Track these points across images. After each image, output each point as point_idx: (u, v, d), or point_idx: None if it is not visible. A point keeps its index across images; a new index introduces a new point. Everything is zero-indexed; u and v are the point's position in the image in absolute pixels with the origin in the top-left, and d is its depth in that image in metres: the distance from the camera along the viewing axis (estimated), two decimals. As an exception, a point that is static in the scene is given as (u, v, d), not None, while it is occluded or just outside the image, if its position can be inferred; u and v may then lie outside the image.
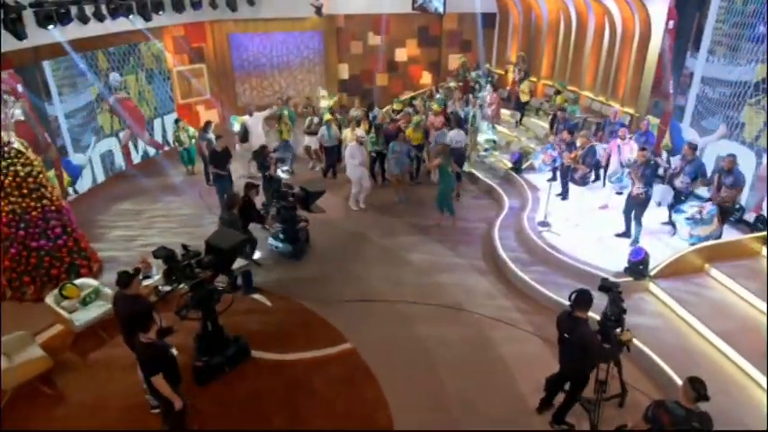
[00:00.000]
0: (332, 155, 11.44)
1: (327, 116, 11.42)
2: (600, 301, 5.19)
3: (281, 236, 8.74)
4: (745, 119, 8.58)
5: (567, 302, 6.96)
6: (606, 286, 5.18)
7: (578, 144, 8.55)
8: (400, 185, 10.55)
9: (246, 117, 11.96)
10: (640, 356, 6.20)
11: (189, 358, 6.16)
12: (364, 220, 10.13)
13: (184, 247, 5.97)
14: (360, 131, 10.11)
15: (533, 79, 14.64)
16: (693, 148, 8.10)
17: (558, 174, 9.56)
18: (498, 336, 6.85)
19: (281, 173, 9.41)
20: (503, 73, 16.35)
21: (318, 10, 14.60)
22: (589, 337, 4.80)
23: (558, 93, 12.43)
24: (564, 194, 9.77)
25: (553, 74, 14.45)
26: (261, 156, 9.37)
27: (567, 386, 5.33)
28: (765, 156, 8.10)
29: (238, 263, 6.44)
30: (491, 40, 17.03)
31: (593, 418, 5.21)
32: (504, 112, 13.96)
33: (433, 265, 8.46)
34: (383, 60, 16.95)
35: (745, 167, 7.96)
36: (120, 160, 12.63)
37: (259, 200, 8.66)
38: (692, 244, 7.65)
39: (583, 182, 8.51)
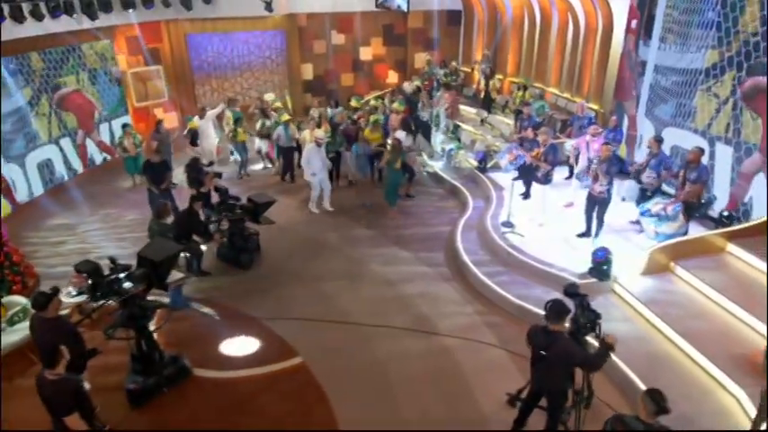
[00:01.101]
0: (289, 156, 10.97)
1: (285, 116, 10.94)
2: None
3: (228, 246, 8.25)
4: (698, 105, 8.51)
5: (532, 307, 6.83)
6: (572, 292, 4.83)
7: (540, 141, 8.25)
8: (364, 189, 10.14)
9: (196, 118, 11.42)
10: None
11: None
12: (323, 224, 9.71)
13: (111, 260, 5.46)
14: (319, 132, 9.67)
15: (499, 77, 14.41)
16: (659, 140, 7.88)
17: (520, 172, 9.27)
18: (459, 348, 6.47)
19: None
20: (469, 71, 16.10)
21: (269, 5, 14.04)
22: (574, 350, 4.44)
23: (524, 88, 12.18)
24: (526, 194, 9.49)
25: (519, 71, 14.23)
26: (193, 169, 8.70)
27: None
28: (719, 146, 7.93)
29: (175, 275, 5.95)
30: (457, 37, 16.76)
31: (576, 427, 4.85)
32: (470, 111, 13.68)
33: (392, 270, 8.08)
34: (348, 60, 16.55)
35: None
36: (61, 169, 11.79)
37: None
38: (661, 242, 7.41)
39: (545, 180, 8.22)
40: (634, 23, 9.89)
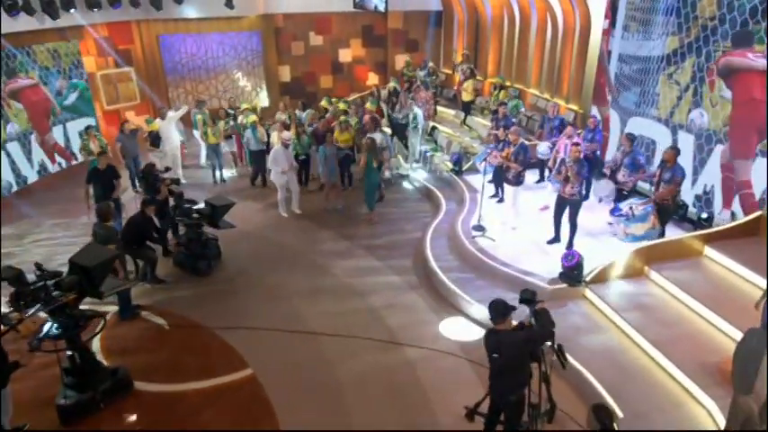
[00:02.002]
0: (259, 160, 10.66)
1: (252, 117, 10.64)
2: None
3: (185, 252, 7.93)
4: (660, 93, 8.45)
5: None
6: (525, 299, 4.54)
7: (510, 140, 8.00)
8: (333, 192, 9.85)
9: (157, 120, 11.10)
10: (570, 371, 5.59)
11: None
12: (289, 229, 9.40)
13: (38, 266, 5.13)
14: (286, 134, 9.38)
15: (479, 78, 14.20)
16: (631, 138, 7.65)
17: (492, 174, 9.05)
18: (420, 358, 6.15)
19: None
20: (449, 72, 15.91)
21: (229, 2, 13.73)
22: (518, 336, 4.23)
23: (501, 88, 11.96)
24: (499, 196, 9.24)
25: (499, 72, 14.03)
26: (149, 175, 8.35)
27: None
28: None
29: (113, 283, 5.61)
30: (438, 38, 16.58)
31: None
32: (449, 112, 13.47)
33: (358, 277, 7.76)
34: (327, 61, 16.32)
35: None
36: (9, 177, 11.07)
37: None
38: (630, 243, 7.16)
39: (516, 181, 7.96)
40: (607, 24, 9.73)
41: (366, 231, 9.16)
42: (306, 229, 9.35)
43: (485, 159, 8.35)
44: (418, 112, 11.18)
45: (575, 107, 11.18)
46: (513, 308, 4.27)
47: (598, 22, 10.20)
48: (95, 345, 6.33)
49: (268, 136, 10.81)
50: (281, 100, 13.77)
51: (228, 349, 6.40)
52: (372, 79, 16.65)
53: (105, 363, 5.97)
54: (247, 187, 11.19)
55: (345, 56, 16.45)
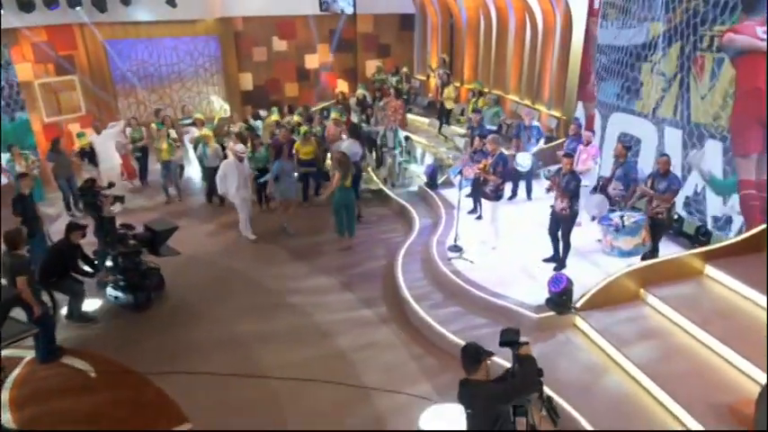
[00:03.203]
0: (213, 177, 9.88)
1: (204, 131, 9.90)
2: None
3: (120, 283, 7.14)
4: (643, 85, 8.17)
5: None
6: (506, 341, 3.90)
7: (489, 150, 7.44)
8: (288, 212, 9.14)
9: (93, 135, 10.29)
10: (564, 418, 4.98)
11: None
12: (245, 254, 8.66)
13: None
14: (239, 146, 8.68)
15: (456, 84, 13.77)
16: (627, 147, 7.16)
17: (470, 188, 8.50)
18: (387, 402, 5.47)
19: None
20: (424, 79, 15.47)
21: (172, 0, 13.01)
22: (493, 390, 3.61)
23: (480, 94, 11.50)
24: (475, 211, 8.68)
25: (476, 77, 13.62)
26: (88, 192, 7.60)
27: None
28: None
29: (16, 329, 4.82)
30: (411, 43, 16.16)
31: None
32: (422, 120, 12.98)
33: (321, 309, 7.05)
34: (292, 68, 15.72)
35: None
36: None
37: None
38: (635, 264, 6.61)
39: (496, 195, 7.38)
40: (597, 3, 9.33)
41: (330, 256, 8.46)
42: (263, 253, 8.62)
43: (460, 172, 7.78)
44: (400, 134, 10.41)
45: (557, 113, 10.77)
46: (490, 353, 3.63)
47: (580, 23, 9.82)
48: (3, 396, 5.53)
49: (223, 149, 10.09)
50: (244, 109, 13.14)
51: (165, 399, 5.62)
52: (342, 86, 16.06)
53: (11, 422, 5.17)
54: (203, 207, 10.42)
55: (312, 62, 15.90)
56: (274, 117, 10.91)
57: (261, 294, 7.47)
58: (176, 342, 6.53)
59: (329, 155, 10.54)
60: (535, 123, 9.44)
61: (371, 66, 15.74)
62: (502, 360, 4.60)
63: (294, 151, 9.59)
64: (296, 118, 10.69)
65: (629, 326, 5.98)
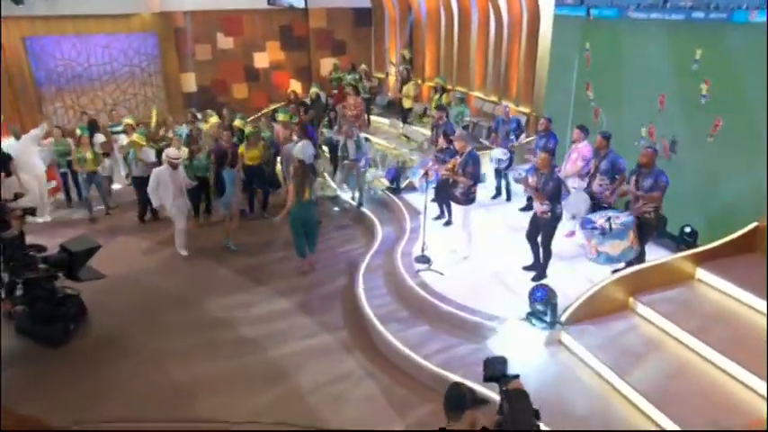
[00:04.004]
0: (145, 188, 8.98)
1: (134, 137, 8.97)
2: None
3: (30, 315, 6.20)
4: None
5: (452, 375, 5.31)
6: (492, 376, 3.27)
7: (456, 149, 6.87)
8: (232, 226, 8.34)
9: (11, 140, 9.24)
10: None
11: None
12: (184, 273, 7.81)
13: None
14: (170, 150, 7.83)
15: (417, 81, 13.26)
16: (606, 137, 6.72)
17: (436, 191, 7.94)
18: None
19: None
20: (383, 77, 14.93)
21: None
22: None
23: (443, 91, 10.99)
24: (443, 217, 8.11)
25: (439, 74, 13.14)
26: None
27: None
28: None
29: None
30: (368, 39, 15.60)
31: None
32: (383, 121, 12.41)
33: (273, 338, 6.26)
34: (239, 68, 14.89)
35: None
36: None
37: None
38: (614, 269, 6.16)
39: (467, 199, 6.81)
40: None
41: (283, 274, 7.67)
42: (205, 274, 7.78)
43: (424, 174, 7.19)
44: (363, 142, 9.35)
45: (526, 110, 10.38)
46: (480, 402, 3.02)
47: (548, 11, 9.45)
48: None
49: (159, 156, 9.19)
50: (188, 112, 12.18)
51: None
52: (294, 87, 15.30)
53: None
54: (136, 222, 9.47)
55: (261, 61, 15.12)
56: (213, 120, 10.10)
57: (203, 323, 6.62)
58: (99, 382, 5.64)
59: (279, 159, 9.82)
60: (516, 117, 8.94)
61: (326, 64, 15.09)
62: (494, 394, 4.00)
63: (239, 156, 8.81)
64: (237, 122, 9.90)
65: (619, 339, 5.52)
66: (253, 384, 5.56)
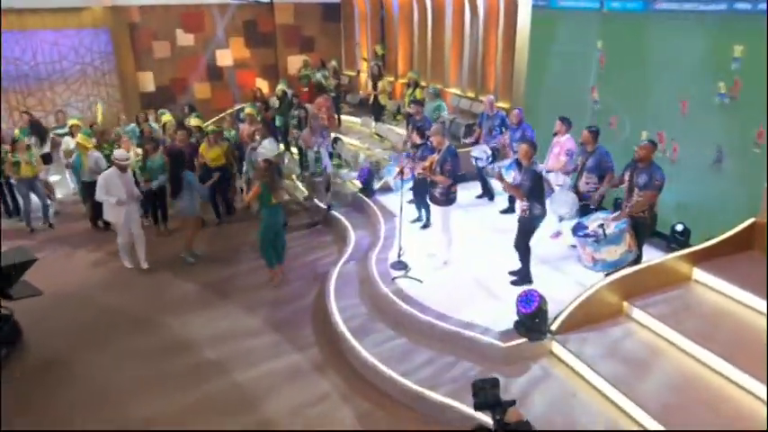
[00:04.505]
0: (93, 194, 8.32)
1: (80, 138, 8.30)
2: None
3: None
4: None
5: (435, 395, 4.89)
6: (484, 403, 2.82)
7: (434, 145, 6.44)
8: (190, 235, 7.76)
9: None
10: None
11: None
12: (137, 288, 7.22)
13: None
14: (119, 152, 7.22)
15: (390, 79, 12.86)
16: (594, 132, 6.38)
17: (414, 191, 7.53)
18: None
19: None
20: (354, 74, 14.51)
21: None
22: None
23: (416, 86, 10.59)
24: (420, 219, 7.69)
25: (412, 71, 12.76)
26: None
27: None
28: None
29: None
30: (337, 35, 15.15)
31: None
32: (354, 120, 11.97)
33: (237, 359, 5.73)
34: (201, 66, 14.27)
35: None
36: None
37: None
38: (607, 274, 5.81)
39: (447, 199, 6.38)
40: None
41: (249, 286, 7.13)
42: (161, 287, 7.19)
43: (399, 173, 6.76)
44: (322, 152, 8.49)
45: (505, 105, 10.05)
46: None
47: (526, 2, 9.13)
48: None
49: (108, 160, 8.55)
50: (146, 113, 11.51)
51: None
52: (261, 86, 14.73)
53: None
54: (86, 232, 8.81)
55: (225, 58, 14.53)
56: (166, 118, 9.51)
57: (160, 346, 6.00)
58: (39, 421, 5.00)
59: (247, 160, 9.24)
60: (500, 112, 8.53)
61: (294, 62, 14.57)
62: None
63: (199, 157, 8.26)
64: (193, 121, 9.32)
65: (616, 349, 5.17)
66: (216, 416, 5.00)
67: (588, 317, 5.45)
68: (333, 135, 10.74)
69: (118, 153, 7.16)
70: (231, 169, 8.80)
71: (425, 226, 7.60)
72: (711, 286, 5.68)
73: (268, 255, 7.00)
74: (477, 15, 10.83)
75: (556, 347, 5.30)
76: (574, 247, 6.70)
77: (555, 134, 7.32)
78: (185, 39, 14.00)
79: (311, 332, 6.13)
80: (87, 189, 8.36)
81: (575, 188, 6.66)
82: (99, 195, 7.09)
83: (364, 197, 8.82)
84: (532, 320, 5.21)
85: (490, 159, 7.86)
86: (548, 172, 6.88)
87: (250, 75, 14.85)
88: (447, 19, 11.68)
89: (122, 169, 7.05)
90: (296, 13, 14.64)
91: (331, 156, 9.19)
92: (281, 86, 11.26)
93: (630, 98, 7.38)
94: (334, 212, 8.67)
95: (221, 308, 6.69)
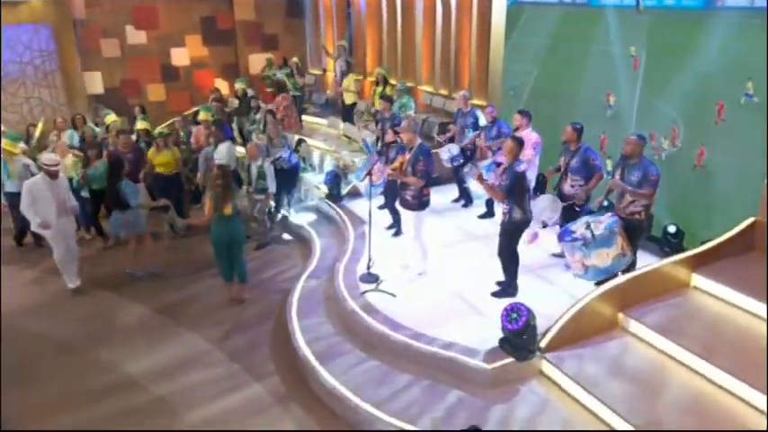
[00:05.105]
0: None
1: (4, 143, 7.49)
2: None
3: None
4: None
5: (413, 429, 4.35)
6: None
7: (404, 142, 5.93)
8: (138, 250, 7.08)
9: None
10: None
11: None
12: (72, 311, 6.50)
13: None
14: (46, 156, 6.50)
15: (358, 77, 12.35)
16: (577, 129, 5.95)
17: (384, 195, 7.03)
18: None
19: None
20: (320, 73, 13.97)
21: None
22: None
23: (385, 83, 10.11)
24: (394, 226, 7.18)
25: (380, 66, 12.28)
26: None
27: None
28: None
29: None
30: (302, 32, 14.60)
31: None
32: (320, 122, 11.45)
33: (190, 399, 5.06)
34: (155, 65, 13.53)
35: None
36: None
37: None
38: (598, 283, 5.38)
39: (419, 203, 5.86)
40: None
41: (203, 308, 6.47)
42: (104, 312, 6.47)
43: (367, 174, 6.22)
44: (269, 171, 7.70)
45: (481, 102, 9.66)
46: None
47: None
48: None
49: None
50: (83, 115, 10.70)
51: None
52: (221, 86, 14.06)
53: None
54: (12, 249, 8.00)
55: (180, 57, 13.82)
56: (110, 119, 8.82)
57: (98, 382, 5.28)
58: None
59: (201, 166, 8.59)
60: (474, 109, 8.05)
61: (256, 61, 13.96)
62: None
63: (147, 163, 7.61)
64: (140, 124, 8.64)
65: (615, 368, 4.73)
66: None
67: (580, 331, 5.00)
68: (297, 137, 10.22)
69: (46, 157, 6.43)
70: (183, 177, 8.12)
71: (397, 233, 7.08)
72: (712, 293, 5.31)
73: (224, 267, 6.37)
74: (449, 7, 10.41)
75: (546, 367, 4.83)
76: (556, 255, 6.29)
77: (515, 129, 6.93)
78: (137, 36, 13.25)
79: (270, 358, 5.52)
80: (12, 200, 7.50)
81: (558, 192, 6.23)
82: (23, 208, 6.33)
83: (331, 203, 8.26)
84: (520, 338, 4.72)
85: (460, 160, 7.43)
86: None
87: (208, 75, 14.16)
88: (417, 12, 11.24)
89: (52, 176, 6.32)
90: (257, 8, 14.04)
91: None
92: (240, 85, 10.65)
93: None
94: (301, 222, 8.08)
95: (172, 334, 6.01)
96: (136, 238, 6.99)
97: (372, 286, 5.91)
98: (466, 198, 7.99)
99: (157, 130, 8.12)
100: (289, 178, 8.04)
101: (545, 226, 5.98)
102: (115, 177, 6.73)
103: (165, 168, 7.76)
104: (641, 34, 7.06)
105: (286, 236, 8.08)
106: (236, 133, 10.21)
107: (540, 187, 7.40)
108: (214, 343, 5.81)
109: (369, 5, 12.48)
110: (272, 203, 7.90)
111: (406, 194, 5.86)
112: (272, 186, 7.49)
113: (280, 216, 8.23)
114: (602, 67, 7.58)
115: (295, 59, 12.13)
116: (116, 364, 5.55)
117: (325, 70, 13.99)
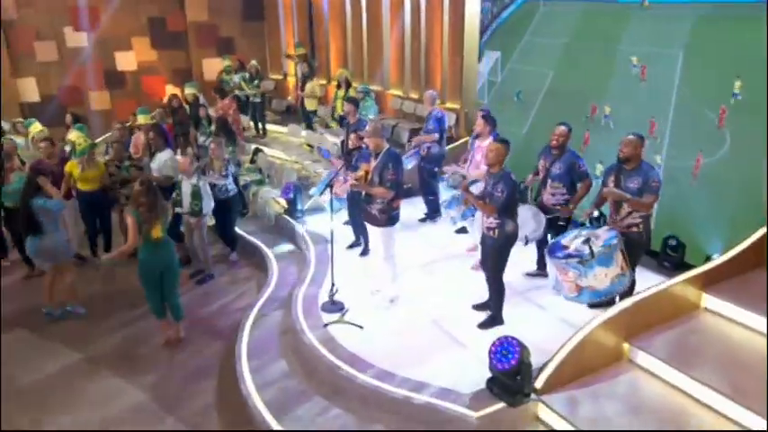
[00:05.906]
0: None
1: None
2: None
3: None
4: None
5: None
6: None
7: (369, 148, 5.24)
8: (59, 284, 6.15)
9: None
10: None
11: None
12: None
13: None
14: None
15: (322, 82, 11.70)
16: (570, 130, 5.34)
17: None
18: None
19: None
20: (280, 78, 13.28)
21: None
22: None
23: (348, 85, 9.49)
24: (359, 243, 6.47)
25: (342, 68, 11.69)
26: None
27: None
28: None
29: None
30: (261, 35, 13.89)
31: None
32: (279, 129, 10.75)
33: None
34: (98, 70, 12.63)
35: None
36: None
37: None
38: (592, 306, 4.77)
39: (388, 218, 5.14)
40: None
41: (133, 351, 5.58)
42: (12, 355, 5.53)
43: (328, 186, 5.50)
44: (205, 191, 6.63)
45: (455, 105, 9.14)
46: None
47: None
48: None
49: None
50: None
51: None
52: (172, 93, 13.27)
53: None
54: None
55: (127, 62, 12.97)
56: (34, 128, 7.98)
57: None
58: None
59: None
60: (438, 111, 7.30)
61: (211, 65, 13.18)
62: None
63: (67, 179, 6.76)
64: (72, 135, 7.82)
65: (620, 408, 4.08)
66: None
67: (581, 367, 4.35)
68: (253, 146, 9.47)
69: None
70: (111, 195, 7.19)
71: (364, 252, 6.37)
72: (727, 316, 4.73)
73: (154, 301, 5.47)
74: (418, 7, 9.88)
75: (544, 412, 4.14)
76: (531, 275, 5.67)
77: (476, 136, 6.18)
78: (76, 38, 12.38)
79: (214, 409, 4.70)
80: None
81: (537, 202, 5.61)
82: None
83: (289, 219, 7.49)
84: (513, 378, 4.03)
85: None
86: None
87: (158, 81, 13.33)
88: (384, 11, 10.70)
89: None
90: (211, 9, 13.32)
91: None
92: (190, 90, 9.88)
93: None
94: (256, 241, 7.29)
95: (95, 384, 5.11)
96: (54, 267, 6.03)
97: (336, 317, 5.17)
98: (432, 210, 7.28)
99: (82, 144, 7.10)
100: (225, 209, 6.92)
101: (526, 242, 5.31)
102: (28, 193, 5.79)
103: (90, 186, 6.87)
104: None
105: (234, 256, 7.24)
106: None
107: (521, 197, 6.77)
108: (147, 394, 4.93)
109: (332, 5, 11.88)
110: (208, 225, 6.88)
111: (372, 209, 5.14)
112: (206, 207, 6.47)
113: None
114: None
115: (254, 62, 11.43)
116: (17, 419, 4.66)
117: (285, 75, 13.30)
